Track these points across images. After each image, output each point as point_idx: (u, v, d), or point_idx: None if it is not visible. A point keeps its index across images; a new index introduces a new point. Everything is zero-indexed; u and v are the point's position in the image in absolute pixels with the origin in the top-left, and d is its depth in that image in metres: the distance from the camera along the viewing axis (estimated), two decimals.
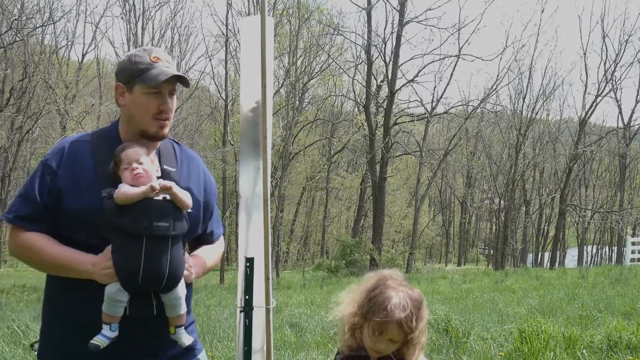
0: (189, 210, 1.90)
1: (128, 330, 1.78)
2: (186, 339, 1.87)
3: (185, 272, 1.85)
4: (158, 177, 1.85)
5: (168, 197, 1.79)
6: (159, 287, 1.77)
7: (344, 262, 21.25)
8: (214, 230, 2.11)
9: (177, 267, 1.79)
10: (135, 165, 1.79)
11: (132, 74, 1.85)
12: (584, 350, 4.69)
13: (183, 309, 1.84)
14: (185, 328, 1.98)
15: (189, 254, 2.04)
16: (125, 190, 1.74)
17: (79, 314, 1.78)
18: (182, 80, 1.89)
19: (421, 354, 1.77)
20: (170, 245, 1.76)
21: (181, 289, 1.83)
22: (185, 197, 1.83)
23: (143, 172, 1.79)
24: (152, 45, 25.86)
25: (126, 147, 1.83)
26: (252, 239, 2.13)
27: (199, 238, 2.09)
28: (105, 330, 1.75)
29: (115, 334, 1.75)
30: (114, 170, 1.82)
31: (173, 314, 1.83)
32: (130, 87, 1.87)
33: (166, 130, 1.91)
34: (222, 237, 2.18)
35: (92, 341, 1.72)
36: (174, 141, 2.07)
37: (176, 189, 1.79)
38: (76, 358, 1.80)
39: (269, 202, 2.11)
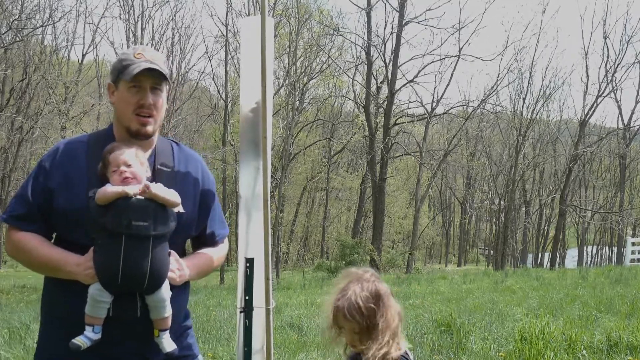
0: (181, 211, 1.89)
1: (114, 332, 1.77)
2: (167, 344, 1.83)
3: (171, 274, 1.82)
4: (148, 178, 1.84)
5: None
6: (140, 288, 1.75)
7: (343, 262, 21.21)
8: (215, 231, 2.09)
9: (159, 268, 1.76)
10: (123, 168, 1.78)
11: (117, 71, 1.88)
12: (584, 351, 4.68)
13: (167, 312, 1.82)
14: (182, 333, 1.97)
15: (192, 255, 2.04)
16: (104, 189, 1.74)
17: (75, 315, 1.78)
18: (157, 73, 1.86)
19: (387, 347, 1.75)
20: (151, 245, 1.74)
21: (165, 291, 1.80)
22: (170, 196, 1.80)
23: (131, 175, 1.78)
24: (152, 45, 25.86)
25: (115, 148, 1.82)
26: (252, 239, 2.13)
27: (199, 239, 2.08)
28: (88, 331, 1.74)
29: (97, 336, 1.74)
30: (102, 172, 1.82)
31: (157, 316, 1.81)
32: (117, 85, 1.90)
33: (149, 128, 1.89)
34: (225, 239, 2.16)
35: (73, 340, 1.71)
36: (174, 141, 2.07)
37: (156, 190, 1.77)
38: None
39: (269, 202, 2.11)
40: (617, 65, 28.14)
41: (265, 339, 2.10)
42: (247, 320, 2.07)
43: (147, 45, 24.92)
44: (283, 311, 8.37)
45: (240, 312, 2.09)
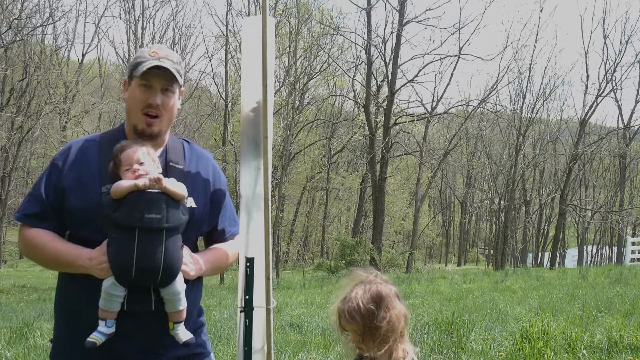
0: (194, 206, 1.91)
1: (129, 325, 1.78)
2: (183, 334, 1.85)
3: (184, 267, 1.83)
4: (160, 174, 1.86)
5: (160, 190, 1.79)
6: (154, 281, 1.76)
7: (343, 262, 21.21)
8: (226, 228, 2.11)
9: (173, 260, 1.77)
10: (136, 166, 1.80)
11: (131, 69, 1.90)
12: (585, 350, 4.68)
13: (182, 304, 1.83)
14: (195, 330, 1.97)
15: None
16: (120, 183, 1.76)
17: (89, 310, 1.78)
18: (169, 74, 1.87)
19: (390, 350, 1.75)
20: (164, 237, 1.75)
21: (180, 284, 1.81)
22: (178, 189, 1.82)
23: (144, 172, 1.80)
24: (153, 44, 25.86)
25: (125, 147, 1.83)
26: (253, 239, 2.13)
27: (211, 236, 2.10)
28: (101, 326, 1.75)
29: (111, 330, 1.75)
30: (113, 171, 1.83)
31: (172, 309, 1.82)
32: (130, 82, 1.92)
33: (154, 128, 1.90)
34: (237, 236, 2.17)
35: (88, 339, 1.72)
36: (184, 140, 2.09)
37: (166, 182, 1.79)
38: (84, 358, 1.80)
39: (269, 202, 2.11)
40: (617, 65, 28.18)
41: (265, 339, 2.10)
42: (247, 320, 2.07)
43: (147, 45, 24.92)
44: (283, 311, 8.39)
45: (241, 311, 2.09)
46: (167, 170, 1.91)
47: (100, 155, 1.89)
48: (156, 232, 1.74)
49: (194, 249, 1.99)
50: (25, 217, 1.87)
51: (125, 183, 1.76)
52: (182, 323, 1.85)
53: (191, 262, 1.88)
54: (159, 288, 1.79)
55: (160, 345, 1.87)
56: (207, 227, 2.05)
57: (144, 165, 1.81)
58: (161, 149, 1.97)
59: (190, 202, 1.91)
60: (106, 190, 1.77)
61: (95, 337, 1.73)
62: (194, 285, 1.96)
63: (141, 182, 1.75)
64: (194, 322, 1.99)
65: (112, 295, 1.74)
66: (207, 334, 2.15)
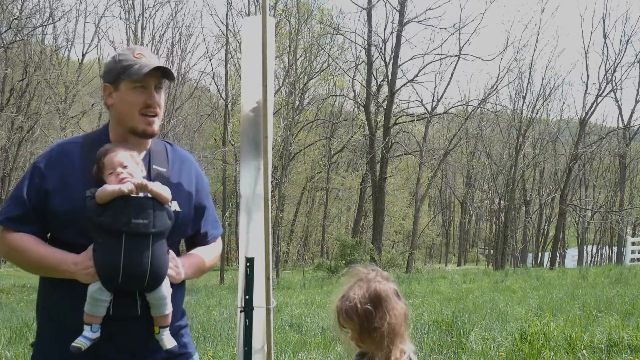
0: (178, 210, 1.90)
1: (114, 330, 1.77)
2: (168, 341, 1.84)
3: (170, 272, 1.83)
4: (144, 178, 1.85)
5: (148, 194, 1.78)
6: (141, 286, 1.75)
7: (343, 262, 21.19)
8: (209, 231, 2.10)
9: (159, 265, 1.77)
10: (120, 170, 1.79)
11: (117, 72, 1.87)
12: (584, 350, 4.68)
13: (168, 309, 1.83)
14: (177, 332, 1.97)
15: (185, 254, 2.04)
16: (105, 187, 1.75)
17: (73, 315, 1.77)
18: (166, 72, 1.88)
19: (389, 350, 1.74)
20: (151, 242, 1.75)
21: (166, 289, 1.81)
22: (164, 192, 1.81)
23: (128, 176, 1.79)
24: (152, 45, 25.86)
25: (109, 151, 1.82)
26: (253, 239, 2.13)
27: (193, 239, 2.08)
28: (86, 331, 1.73)
29: (96, 334, 1.74)
30: (97, 174, 1.82)
31: (157, 313, 1.82)
32: (116, 86, 1.88)
33: (155, 127, 1.90)
34: (219, 238, 2.17)
35: (73, 344, 1.71)
36: (167, 142, 2.08)
37: (152, 185, 1.79)
38: None
39: (269, 202, 2.11)
40: (617, 65, 28.12)
41: (265, 339, 2.10)
42: (247, 320, 2.07)
43: (147, 45, 24.93)
44: (283, 310, 8.39)
45: (241, 311, 2.09)
46: (151, 174, 1.90)
47: (83, 158, 1.87)
48: (143, 237, 1.73)
49: (176, 252, 1.99)
50: (7, 220, 1.83)
51: (110, 188, 1.74)
52: (168, 328, 1.85)
53: (175, 266, 1.88)
54: (145, 293, 1.78)
55: (145, 349, 1.86)
56: (191, 231, 2.05)
57: (127, 168, 1.80)
58: (144, 151, 1.95)
59: (175, 206, 1.90)
60: (90, 194, 1.76)
61: (80, 342, 1.72)
62: (178, 288, 1.96)
63: (126, 187, 1.74)
64: (176, 325, 1.98)
65: (98, 300, 1.73)
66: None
